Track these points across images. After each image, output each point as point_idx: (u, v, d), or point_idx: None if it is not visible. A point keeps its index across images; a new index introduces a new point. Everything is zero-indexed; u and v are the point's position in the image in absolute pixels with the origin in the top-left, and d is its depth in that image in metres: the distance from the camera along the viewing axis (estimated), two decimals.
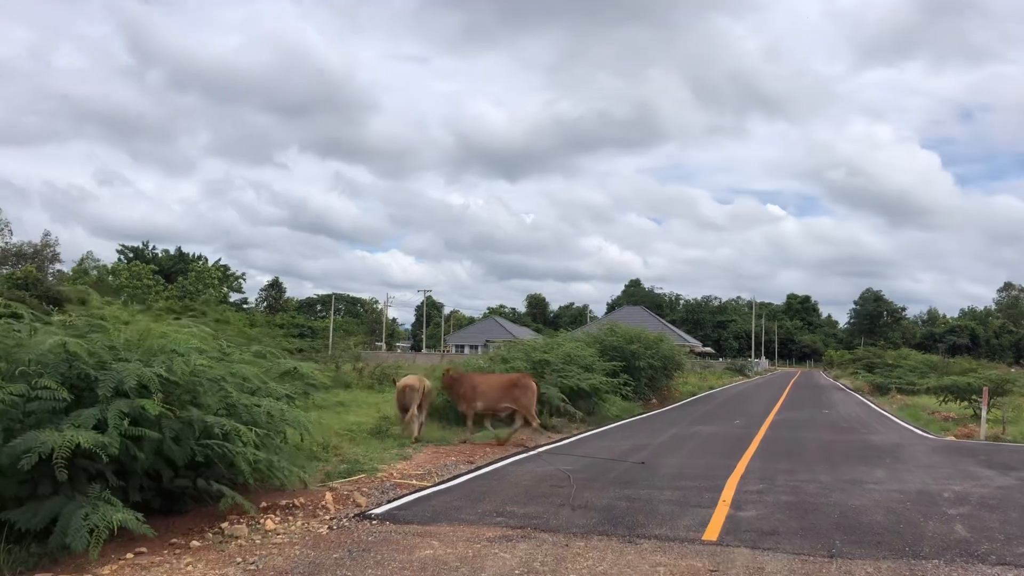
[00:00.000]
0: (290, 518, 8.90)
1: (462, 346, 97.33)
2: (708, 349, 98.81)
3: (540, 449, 15.47)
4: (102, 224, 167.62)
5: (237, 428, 7.95)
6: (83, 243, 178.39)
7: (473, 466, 13.17)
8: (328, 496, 10.01)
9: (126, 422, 7.09)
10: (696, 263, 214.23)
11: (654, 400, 31.27)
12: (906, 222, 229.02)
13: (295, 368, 11.44)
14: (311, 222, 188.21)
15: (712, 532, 8.24)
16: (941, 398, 26.90)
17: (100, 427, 7.02)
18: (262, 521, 8.56)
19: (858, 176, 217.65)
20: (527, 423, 16.55)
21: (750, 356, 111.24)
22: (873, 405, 34.95)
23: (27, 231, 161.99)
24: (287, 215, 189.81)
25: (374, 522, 8.58)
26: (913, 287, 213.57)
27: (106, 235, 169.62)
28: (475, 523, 8.51)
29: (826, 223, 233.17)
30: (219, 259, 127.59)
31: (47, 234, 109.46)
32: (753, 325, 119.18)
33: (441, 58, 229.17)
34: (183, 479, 8.68)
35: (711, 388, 47.66)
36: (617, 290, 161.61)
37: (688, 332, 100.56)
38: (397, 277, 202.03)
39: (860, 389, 50.68)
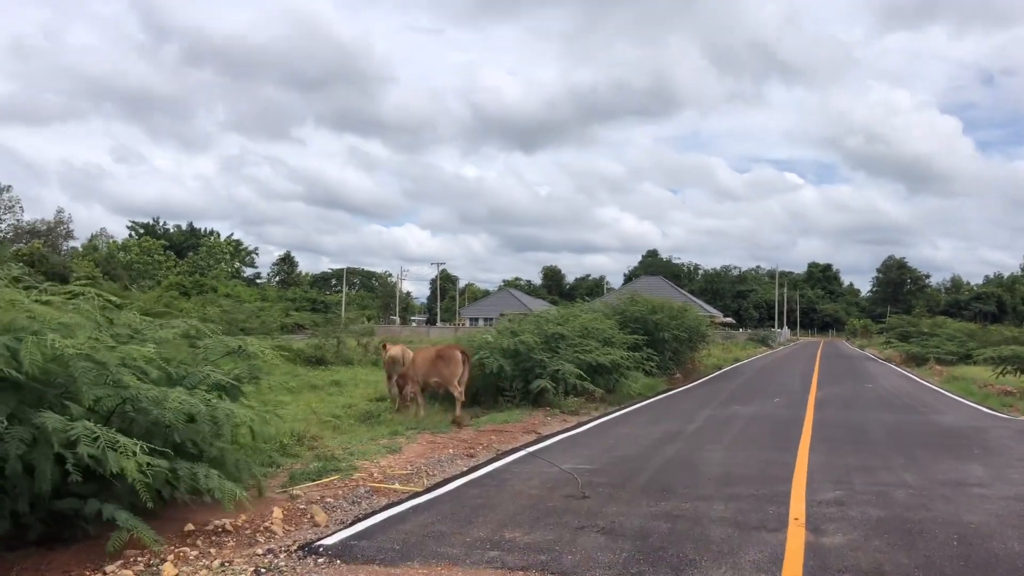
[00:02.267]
0: (212, 551, 6.55)
1: (476, 319, 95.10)
2: (729, 320, 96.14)
3: (553, 439, 13.09)
4: (119, 201, 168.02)
5: (113, 438, 5.55)
6: (100, 220, 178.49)
7: (471, 463, 10.82)
8: (276, 513, 7.67)
9: None
10: (714, 233, 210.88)
11: (679, 375, 28.82)
12: (926, 189, 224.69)
13: (239, 347, 9.02)
14: (327, 197, 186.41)
15: (792, 573, 5.84)
16: (999, 370, 24.25)
17: None
18: (166, 560, 6.21)
19: (877, 143, 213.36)
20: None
21: (772, 326, 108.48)
22: (915, 377, 32.34)
23: (44, 209, 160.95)
24: (303, 190, 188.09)
25: (321, 561, 6.20)
26: (933, 254, 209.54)
27: (123, 212, 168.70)
28: (460, 562, 6.13)
29: (845, 191, 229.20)
30: (231, 234, 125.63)
31: (60, 211, 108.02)
32: (776, 294, 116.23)
33: (456, 29, 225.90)
34: (69, 499, 6.38)
35: (736, 360, 45.11)
36: (634, 261, 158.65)
37: (708, 302, 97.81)
38: (413, 251, 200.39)
39: (891, 359, 48.09)
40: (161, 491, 6.86)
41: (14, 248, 71.90)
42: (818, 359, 48.11)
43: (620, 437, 13.19)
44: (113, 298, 8.09)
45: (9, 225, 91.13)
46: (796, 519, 7.38)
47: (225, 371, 8.58)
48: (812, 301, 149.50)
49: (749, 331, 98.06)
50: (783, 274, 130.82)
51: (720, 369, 36.17)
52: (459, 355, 15.63)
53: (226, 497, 6.71)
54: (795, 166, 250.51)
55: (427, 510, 7.83)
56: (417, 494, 8.80)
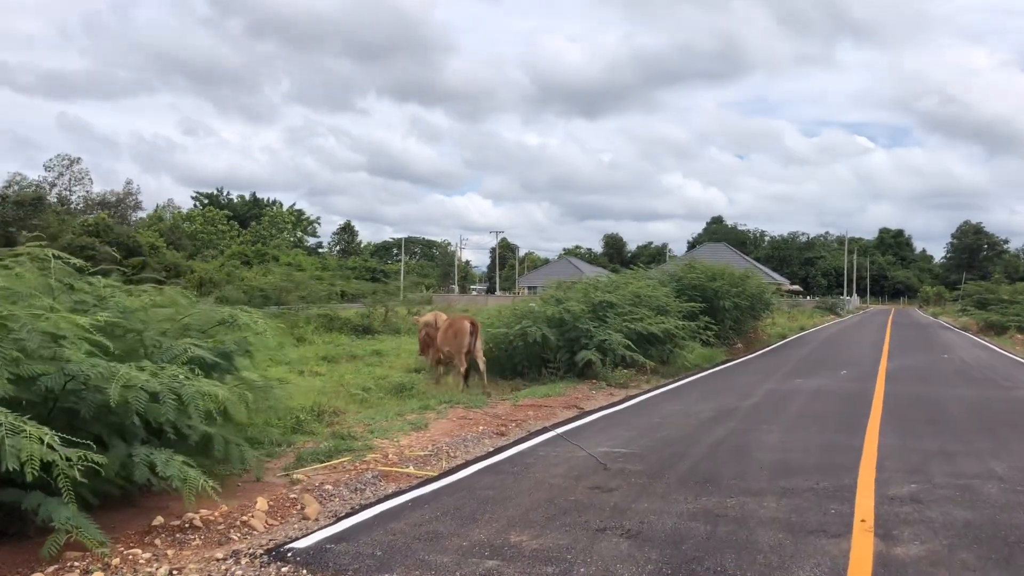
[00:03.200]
0: (169, 552, 5.64)
1: (535, 287, 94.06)
2: (796, 287, 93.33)
3: (593, 416, 12.00)
4: (186, 173, 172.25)
5: (16, 424, 4.61)
6: (168, 192, 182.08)
7: (499, 443, 9.82)
8: (260, 504, 6.76)
9: None
10: (781, 198, 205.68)
11: (740, 345, 27.39)
12: (1005, 150, 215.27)
13: (230, 318, 8.08)
14: (389, 166, 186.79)
15: None
16: None
17: None
18: (108, 564, 5.30)
19: (952, 104, 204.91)
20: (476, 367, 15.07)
21: (840, 294, 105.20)
22: (995, 347, 30.31)
23: (115, 181, 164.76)
24: (366, 160, 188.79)
25: (285, 570, 5.22)
26: (1011, 219, 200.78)
27: (191, 183, 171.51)
28: (450, 572, 5.10)
29: (918, 154, 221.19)
30: (293, 204, 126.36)
31: (128, 182, 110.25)
32: (845, 261, 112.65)
33: None
34: (9, 490, 5.52)
35: (802, 329, 43.28)
36: (698, 228, 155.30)
37: (774, 270, 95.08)
38: (475, 220, 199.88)
39: (967, 328, 45.70)
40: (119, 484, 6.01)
41: (82, 219, 73.14)
42: (889, 327, 45.96)
43: (667, 415, 12.03)
44: (74, 260, 7.17)
45: (79, 197, 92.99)
46: (863, 521, 6.18)
47: (212, 344, 7.66)
48: (883, 268, 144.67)
49: (817, 299, 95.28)
50: (852, 240, 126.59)
51: (784, 339, 34.54)
52: (467, 325, 14.99)
53: (186, 487, 5.77)
54: (866, 129, 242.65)
55: (429, 503, 6.81)
56: (429, 480, 7.81)
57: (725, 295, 25.16)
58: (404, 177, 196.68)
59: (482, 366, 15.01)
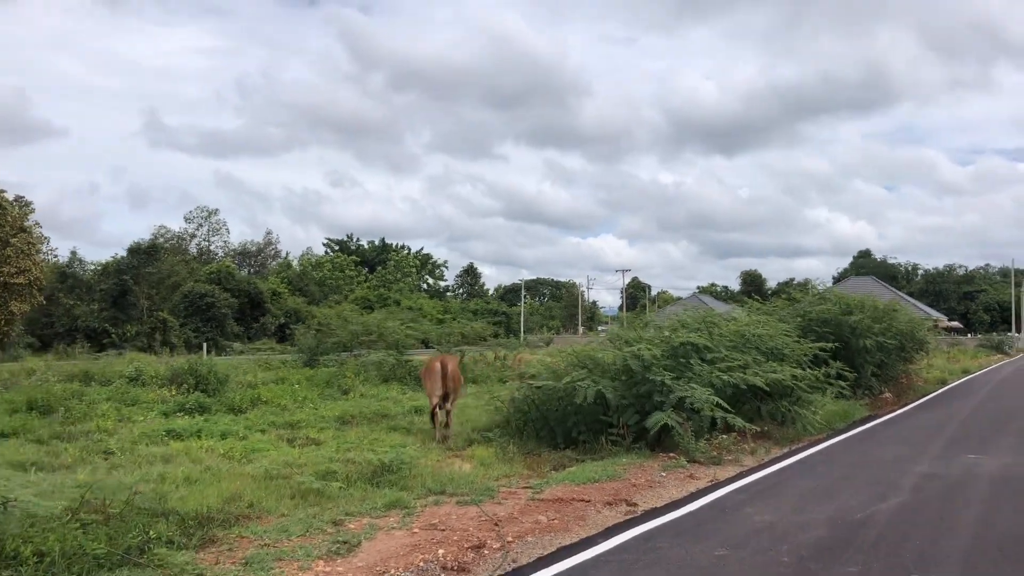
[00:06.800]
0: None
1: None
2: (955, 323, 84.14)
3: (642, 527, 7.62)
4: (333, 223, 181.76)
5: None
6: (314, 241, 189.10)
7: None
8: None
9: None
10: (935, 230, 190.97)
11: (887, 394, 21.99)
12: None
13: None
14: (526, 210, 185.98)
15: None
16: None
17: None
18: None
19: None
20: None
21: (1007, 330, 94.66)
22: None
23: (259, 232, 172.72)
24: (503, 205, 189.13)
25: None
26: None
27: (337, 233, 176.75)
28: None
29: None
30: (421, 248, 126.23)
31: (268, 232, 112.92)
32: (1013, 294, 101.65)
33: (649, 37, 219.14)
34: None
35: (966, 372, 36.64)
36: (845, 264, 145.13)
37: (929, 305, 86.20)
38: (610, 260, 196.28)
39: None
40: None
41: (207, 268, 73.75)
42: None
43: (747, 531, 7.44)
44: None
45: (216, 246, 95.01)
46: None
47: None
48: None
49: (980, 336, 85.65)
50: (1019, 272, 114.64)
51: (945, 385, 28.59)
52: (437, 366, 13.42)
53: None
54: None
55: None
56: None
57: (865, 332, 20.03)
58: (540, 220, 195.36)
59: (448, 410, 13.37)
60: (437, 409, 13.46)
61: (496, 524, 7.79)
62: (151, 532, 6.73)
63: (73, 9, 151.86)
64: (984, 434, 14.50)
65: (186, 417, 15.19)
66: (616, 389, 12.25)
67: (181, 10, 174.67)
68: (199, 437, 12.79)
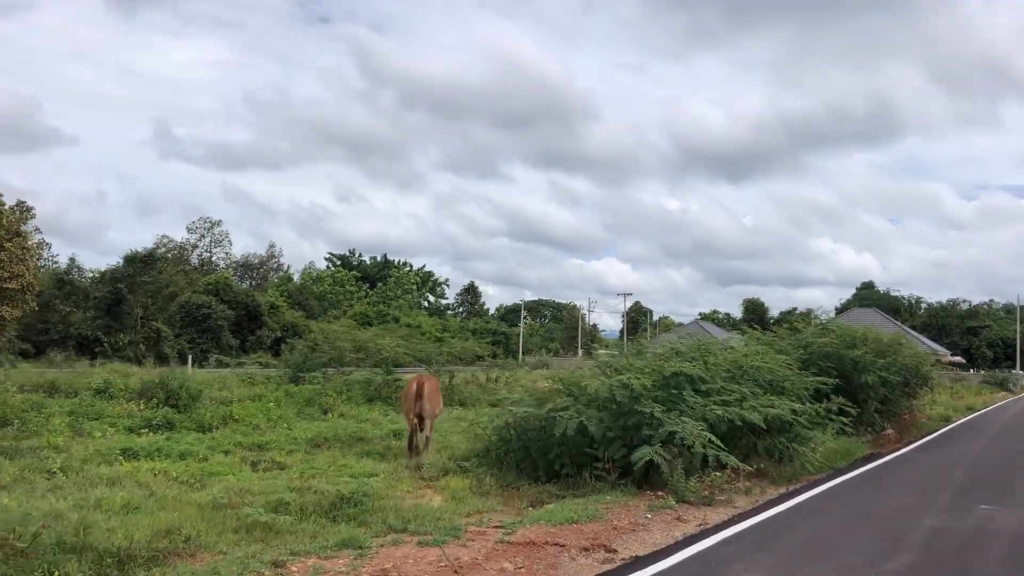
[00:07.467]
0: None
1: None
2: (958, 359, 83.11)
3: None
4: (338, 238, 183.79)
5: None
6: (316, 255, 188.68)
7: None
8: None
9: None
10: (939, 264, 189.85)
11: (889, 430, 21.13)
12: None
13: None
14: (530, 232, 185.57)
15: None
16: None
17: None
18: None
19: None
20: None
21: (1010, 367, 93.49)
22: None
23: (263, 245, 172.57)
24: (507, 225, 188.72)
25: None
26: None
27: (342, 248, 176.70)
28: None
29: None
30: (423, 265, 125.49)
31: (271, 246, 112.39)
32: (1018, 331, 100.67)
33: (657, 64, 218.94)
34: None
35: (971, 410, 35.65)
36: (848, 295, 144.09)
37: (932, 339, 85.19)
38: (613, 284, 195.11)
39: None
40: None
41: (205, 279, 72.97)
42: None
43: None
44: None
45: (218, 258, 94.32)
46: None
47: None
48: None
49: (983, 372, 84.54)
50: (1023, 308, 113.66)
51: (949, 422, 27.67)
52: (413, 387, 12.93)
53: None
54: None
55: None
56: None
57: (868, 367, 19.18)
58: (544, 241, 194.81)
59: (427, 435, 12.84)
60: (416, 432, 12.73)
61: (455, 572, 6.98)
62: (55, 573, 5.93)
63: (92, 20, 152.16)
64: (996, 481, 13.62)
65: (150, 434, 14.38)
66: (602, 420, 11.44)
67: (195, 23, 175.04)
68: (155, 458, 11.95)
